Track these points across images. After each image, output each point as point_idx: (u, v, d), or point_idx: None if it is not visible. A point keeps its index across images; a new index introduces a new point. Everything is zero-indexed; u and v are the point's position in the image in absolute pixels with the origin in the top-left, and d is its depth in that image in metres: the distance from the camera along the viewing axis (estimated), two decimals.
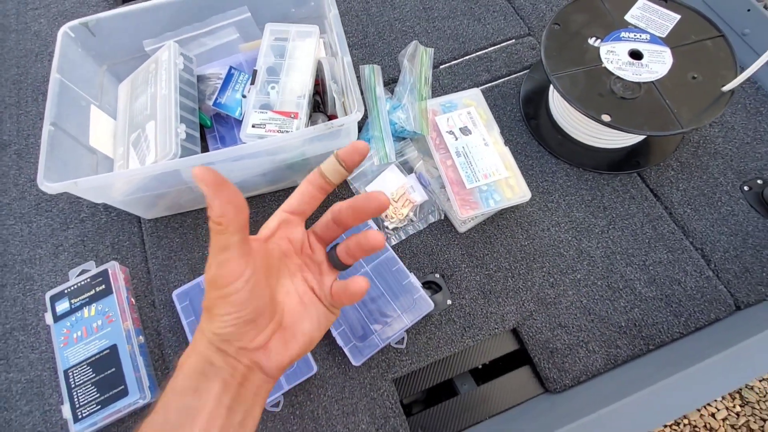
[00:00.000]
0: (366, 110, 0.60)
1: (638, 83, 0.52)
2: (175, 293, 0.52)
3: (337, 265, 0.29)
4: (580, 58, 0.54)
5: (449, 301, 0.52)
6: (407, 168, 0.59)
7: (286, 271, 0.29)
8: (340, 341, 0.49)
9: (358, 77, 0.62)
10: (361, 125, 0.61)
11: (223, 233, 0.24)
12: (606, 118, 0.50)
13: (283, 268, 0.29)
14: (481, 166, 0.54)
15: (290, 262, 0.29)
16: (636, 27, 0.56)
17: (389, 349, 0.49)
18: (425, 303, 0.50)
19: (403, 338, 0.50)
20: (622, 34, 0.55)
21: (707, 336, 0.49)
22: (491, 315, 0.52)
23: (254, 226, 0.59)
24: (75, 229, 0.60)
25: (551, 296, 0.52)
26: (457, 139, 0.56)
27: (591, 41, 0.55)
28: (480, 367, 0.52)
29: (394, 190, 0.57)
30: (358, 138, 0.60)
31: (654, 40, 0.54)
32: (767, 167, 0.58)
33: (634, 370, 0.48)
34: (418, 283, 0.51)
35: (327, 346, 0.51)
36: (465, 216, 0.52)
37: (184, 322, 0.51)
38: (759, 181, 0.57)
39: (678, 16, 0.56)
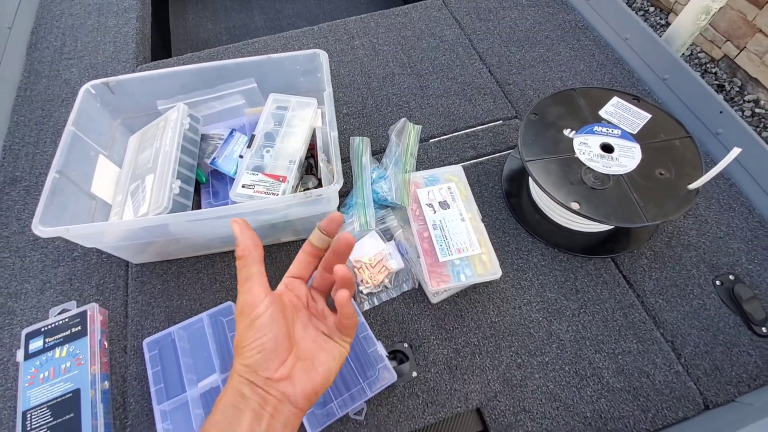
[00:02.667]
0: (352, 178, 0.64)
1: (608, 175, 0.55)
2: (145, 341, 0.53)
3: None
4: (555, 147, 0.58)
5: (415, 373, 0.52)
6: (387, 235, 0.61)
7: (299, 321, 0.36)
8: None
9: (348, 146, 0.66)
10: (348, 190, 0.64)
11: (246, 265, 0.32)
12: (575, 206, 0.52)
13: (297, 318, 0.36)
14: (456, 241, 0.56)
15: (301, 314, 0.36)
16: (609, 122, 0.60)
17: (347, 420, 0.49)
18: (389, 374, 0.50)
19: (362, 409, 0.49)
20: (595, 128, 0.59)
21: None
22: (455, 392, 0.51)
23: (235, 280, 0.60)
24: (65, 267, 0.62)
25: (518, 378, 0.52)
26: (435, 212, 0.59)
27: (566, 132, 0.59)
28: None
29: (372, 256, 0.59)
30: (344, 203, 0.63)
31: (625, 135, 0.58)
32: (739, 263, 0.58)
33: None
34: (384, 353, 0.51)
35: None
36: (435, 288, 0.53)
37: (149, 372, 0.51)
38: (731, 277, 0.57)
39: (649, 116, 0.60)
